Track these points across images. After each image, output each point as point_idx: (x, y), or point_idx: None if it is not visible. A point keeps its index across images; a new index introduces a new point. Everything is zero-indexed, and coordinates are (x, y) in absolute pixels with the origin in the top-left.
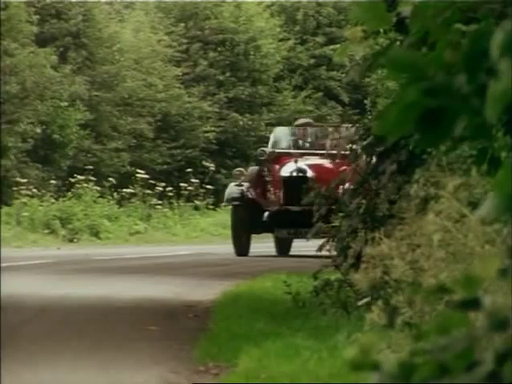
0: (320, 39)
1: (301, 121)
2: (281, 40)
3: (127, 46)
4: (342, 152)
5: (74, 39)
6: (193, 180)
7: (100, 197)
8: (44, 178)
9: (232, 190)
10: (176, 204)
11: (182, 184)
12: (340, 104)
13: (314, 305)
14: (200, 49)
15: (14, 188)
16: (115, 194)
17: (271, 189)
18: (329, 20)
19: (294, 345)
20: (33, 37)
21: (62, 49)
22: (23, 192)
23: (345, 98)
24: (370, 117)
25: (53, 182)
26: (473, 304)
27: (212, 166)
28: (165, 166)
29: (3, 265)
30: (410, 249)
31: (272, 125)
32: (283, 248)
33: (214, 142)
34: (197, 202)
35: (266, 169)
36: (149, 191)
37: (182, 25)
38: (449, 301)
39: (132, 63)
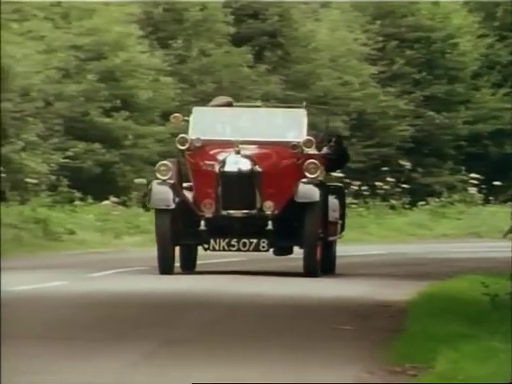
0: None
1: (219, 100)
2: (479, 37)
3: (323, 45)
4: (297, 141)
5: (270, 39)
6: (388, 179)
7: None
8: None
9: (156, 189)
10: (371, 203)
11: (377, 183)
12: None
13: None
14: (396, 47)
15: None
16: None
17: (201, 188)
18: None
19: (491, 348)
20: (229, 37)
21: (257, 48)
22: None
23: None
24: None
25: None
26: None
27: (408, 165)
28: (360, 165)
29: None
30: None
31: (469, 123)
32: (188, 261)
33: (410, 140)
34: (392, 201)
35: (191, 161)
36: None
37: (378, 22)
38: None
39: (327, 62)
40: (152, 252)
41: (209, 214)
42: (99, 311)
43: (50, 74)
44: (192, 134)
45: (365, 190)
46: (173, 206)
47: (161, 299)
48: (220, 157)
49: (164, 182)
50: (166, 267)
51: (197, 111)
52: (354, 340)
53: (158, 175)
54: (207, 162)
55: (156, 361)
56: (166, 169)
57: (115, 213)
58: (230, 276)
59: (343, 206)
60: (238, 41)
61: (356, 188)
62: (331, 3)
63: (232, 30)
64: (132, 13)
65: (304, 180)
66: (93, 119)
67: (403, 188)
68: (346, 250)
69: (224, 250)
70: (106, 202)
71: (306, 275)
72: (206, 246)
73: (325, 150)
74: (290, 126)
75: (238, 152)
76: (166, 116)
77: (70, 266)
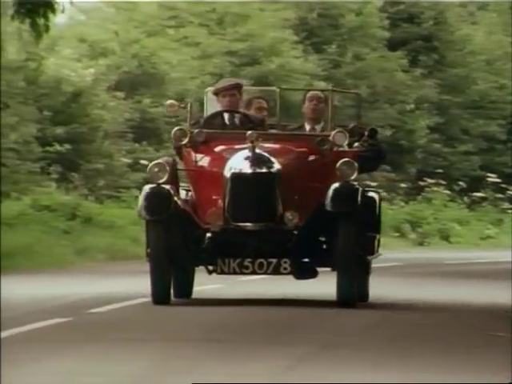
0: None
1: (225, 82)
2: None
3: (479, 48)
4: (325, 134)
5: (425, 42)
6: None
7: (450, 201)
8: (393, 181)
9: (148, 196)
10: None
11: None
12: None
13: None
14: None
15: None
16: (465, 197)
17: (205, 194)
18: None
19: None
20: (384, 41)
21: (413, 53)
22: None
23: None
24: None
25: (402, 185)
26: None
27: None
28: None
29: None
30: None
31: None
32: (183, 286)
33: None
34: None
35: (191, 160)
36: (500, 195)
37: None
38: None
39: (483, 65)
40: None
41: (215, 226)
42: (253, 314)
43: (205, 79)
44: (192, 126)
45: None
46: (160, 216)
47: (314, 303)
48: (229, 154)
49: (158, 187)
50: (161, 295)
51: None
52: (509, 346)
53: (151, 177)
54: (213, 162)
55: (312, 364)
56: (161, 170)
57: None
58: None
59: (379, 217)
60: (392, 45)
61: None
62: (488, 5)
63: (387, 34)
64: (287, 18)
65: (337, 183)
66: None
67: None
68: (502, 255)
69: (235, 272)
70: None
71: (340, 304)
72: (211, 267)
73: (356, 146)
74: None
75: (252, 148)
76: None
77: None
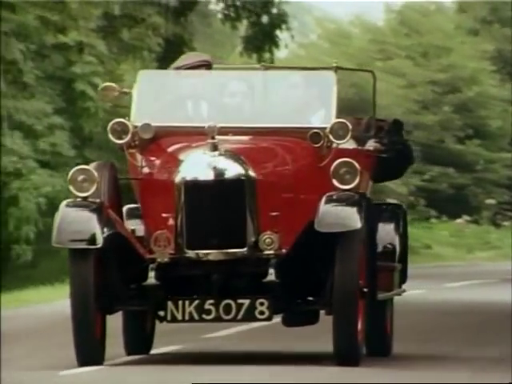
0: None
1: (189, 58)
2: None
3: None
4: (321, 127)
5: None
6: None
7: None
8: None
9: (66, 215)
10: None
11: None
12: None
13: None
14: None
15: None
16: None
17: (151, 211)
18: None
19: None
20: None
21: None
22: None
23: None
24: None
25: None
26: None
27: None
28: None
29: None
30: None
31: None
32: (138, 337)
33: None
34: None
35: (134, 164)
36: None
37: None
38: None
39: None
40: (503, 266)
41: (164, 256)
42: (453, 318)
43: (410, 106)
44: (137, 119)
45: None
46: (99, 243)
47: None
48: (183, 156)
49: (82, 202)
50: (86, 351)
51: (145, 77)
52: None
53: (73, 189)
54: (163, 166)
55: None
56: (86, 179)
57: (467, 230)
58: None
59: (404, 240)
60: None
61: None
62: None
63: None
64: (485, 50)
65: (332, 194)
66: (448, 146)
67: None
68: None
69: (192, 319)
70: (459, 220)
71: (337, 359)
72: (160, 313)
73: (371, 143)
74: (308, 101)
75: (214, 146)
76: None
77: (427, 277)
